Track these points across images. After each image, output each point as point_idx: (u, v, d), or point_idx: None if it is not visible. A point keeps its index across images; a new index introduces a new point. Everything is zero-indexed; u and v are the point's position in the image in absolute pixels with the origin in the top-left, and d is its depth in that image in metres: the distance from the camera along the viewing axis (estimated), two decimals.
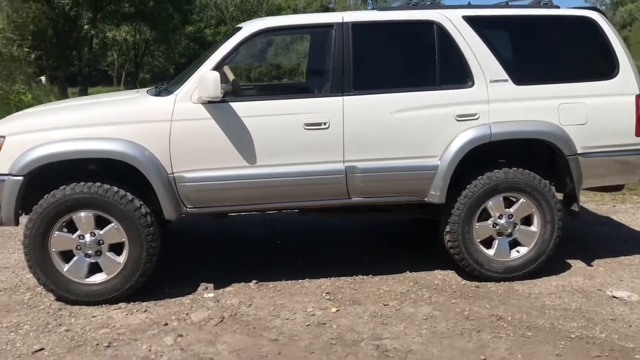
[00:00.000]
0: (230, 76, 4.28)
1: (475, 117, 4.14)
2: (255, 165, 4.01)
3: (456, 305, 3.98)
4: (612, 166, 4.37)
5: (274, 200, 4.17)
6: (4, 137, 3.84)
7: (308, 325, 3.73)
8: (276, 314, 3.90)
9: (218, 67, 3.98)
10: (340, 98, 4.06)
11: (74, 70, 35.37)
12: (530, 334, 3.56)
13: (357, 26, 4.14)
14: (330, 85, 4.10)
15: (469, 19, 4.23)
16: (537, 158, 4.50)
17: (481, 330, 3.61)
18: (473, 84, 4.17)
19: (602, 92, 4.28)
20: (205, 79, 3.76)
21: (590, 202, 6.64)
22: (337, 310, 3.93)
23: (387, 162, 4.13)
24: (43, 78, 16.08)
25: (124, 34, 40.56)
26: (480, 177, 4.22)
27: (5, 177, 3.78)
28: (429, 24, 4.20)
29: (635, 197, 6.86)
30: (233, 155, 3.97)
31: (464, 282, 4.38)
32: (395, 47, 4.34)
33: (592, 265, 4.65)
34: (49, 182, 3.89)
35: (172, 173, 3.93)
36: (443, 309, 3.94)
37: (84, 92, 28.47)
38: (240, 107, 3.98)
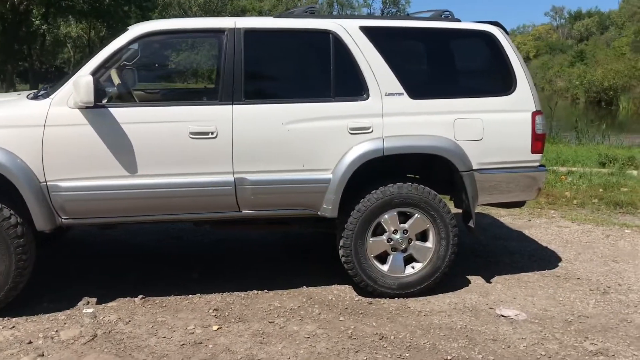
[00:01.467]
0: (116, 80, 4.09)
1: (369, 130, 4.05)
2: (136, 175, 3.83)
3: (342, 323, 3.87)
4: (508, 183, 4.34)
5: (159, 212, 3.99)
6: None
7: (183, 344, 3.56)
8: (154, 332, 3.72)
9: (98, 71, 3.79)
10: (229, 107, 3.91)
11: (25, 65, 34.38)
12: (408, 354, 3.47)
13: (250, 32, 4.01)
14: (219, 93, 3.95)
15: (366, 30, 4.14)
16: (438, 173, 4.45)
17: (360, 351, 3.51)
18: (368, 97, 4.09)
19: (499, 107, 4.25)
20: (78, 83, 3.56)
21: (507, 215, 6.65)
22: (218, 329, 3.78)
23: (278, 175, 4.00)
24: None
25: (79, 31, 39.72)
26: (374, 191, 4.13)
27: None
28: (325, 34, 4.09)
29: (552, 211, 6.91)
30: (112, 164, 3.78)
31: (357, 298, 4.28)
32: (290, 56, 4.23)
33: (490, 282, 4.61)
34: None
35: (45, 182, 3.72)
36: (328, 327, 3.82)
37: (34, 88, 27.70)
38: (121, 113, 3.80)
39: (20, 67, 32.27)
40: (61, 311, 3.95)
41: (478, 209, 6.42)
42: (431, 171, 4.52)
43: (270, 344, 3.59)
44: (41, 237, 4.00)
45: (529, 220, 6.51)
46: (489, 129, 4.20)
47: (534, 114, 4.27)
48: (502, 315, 4.00)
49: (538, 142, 4.27)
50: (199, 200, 3.96)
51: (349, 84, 4.11)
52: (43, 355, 3.37)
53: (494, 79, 4.38)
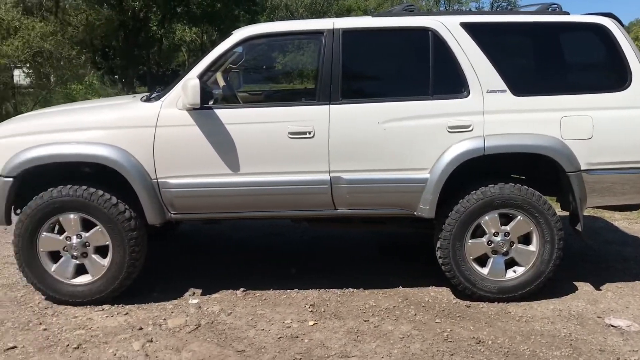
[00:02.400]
0: (221, 82, 4.28)
1: (469, 128, 3.95)
2: (238, 173, 3.98)
3: (438, 325, 3.81)
4: (622, 184, 4.06)
5: (258, 209, 4.13)
6: None
7: (280, 337, 3.66)
8: (253, 324, 3.86)
9: (205, 74, 3.99)
10: (326, 107, 3.97)
11: (143, 69, 36.68)
12: None
13: (347, 33, 4.04)
14: (317, 94, 4.02)
15: (467, 26, 4.04)
16: (543, 174, 4.26)
17: (455, 354, 3.44)
18: (468, 94, 3.98)
19: (612, 104, 3.98)
20: (186, 86, 3.77)
21: (622, 219, 6.22)
22: (314, 324, 3.85)
23: (374, 174, 4.00)
24: (88, 76, 16.61)
25: (192, 35, 41.73)
26: (474, 191, 4.02)
27: None
28: (423, 31, 4.04)
29: None
30: (216, 163, 3.96)
31: (455, 300, 4.19)
32: (387, 55, 4.21)
33: (600, 289, 4.34)
34: (47, 183, 4.01)
35: (156, 179, 3.97)
36: (424, 328, 3.78)
37: (152, 90, 29.52)
38: (225, 114, 3.97)
39: (139, 70, 34.43)
40: (169, 301, 4.20)
41: (590, 212, 6.09)
42: (535, 171, 4.33)
43: (365, 342, 3.60)
44: (152, 231, 4.27)
45: None
46: (600, 127, 3.95)
47: None
48: (612, 325, 3.75)
49: None
50: (296, 198, 4.06)
51: (449, 82, 4.02)
52: (152, 341, 3.61)
53: (606, 74, 4.11)
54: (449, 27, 4.02)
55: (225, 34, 4.20)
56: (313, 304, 4.15)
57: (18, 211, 4.10)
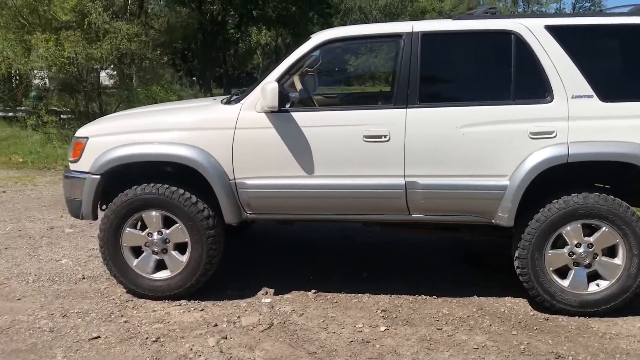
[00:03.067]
0: (298, 86, 4.32)
1: (552, 135, 3.81)
2: (313, 176, 4.01)
3: (515, 337, 3.69)
4: None
5: (332, 212, 4.14)
6: (87, 138, 4.21)
7: (351, 341, 3.66)
8: (324, 326, 3.88)
9: (283, 77, 4.04)
10: (403, 110, 3.93)
11: (220, 71, 37.67)
12: None
13: (427, 36, 3.98)
14: (394, 97, 3.99)
15: (553, 29, 3.90)
16: (631, 184, 4.05)
17: None
18: (552, 99, 3.84)
19: None
20: (265, 89, 3.83)
21: None
22: (386, 330, 3.82)
23: (451, 180, 3.93)
24: (169, 78, 17.18)
25: (267, 38, 42.49)
26: (556, 200, 3.87)
27: (86, 175, 4.14)
28: (506, 34, 3.92)
29: None
30: (292, 165, 4.01)
31: (532, 312, 4.05)
32: (468, 58, 4.12)
33: None
34: (131, 181, 4.19)
35: (234, 179, 4.06)
36: (499, 339, 3.67)
37: (227, 92, 30.33)
38: (301, 117, 4.01)
39: (216, 73, 35.39)
40: (243, 299, 4.29)
41: None
42: (622, 181, 4.12)
43: (437, 350, 3.54)
44: (228, 230, 4.37)
45: None
46: None
47: None
48: None
49: None
50: (370, 202, 4.04)
51: (531, 86, 3.89)
52: (226, 338, 3.69)
53: None
54: (532, 30, 3.89)
55: (299, 37, 4.25)
56: (385, 309, 4.12)
57: (104, 207, 4.30)
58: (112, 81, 18.86)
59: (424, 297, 4.33)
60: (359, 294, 4.38)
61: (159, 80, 17.00)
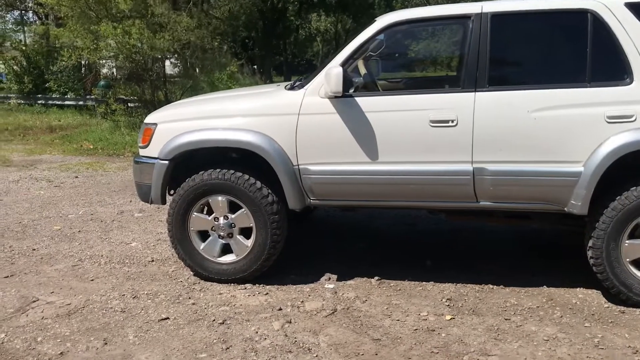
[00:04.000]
0: (362, 70, 4.27)
1: (632, 119, 3.61)
2: (377, 162, 3.96)
3: (588, 330, 3.55)
4: None
5: (397, 198, 4.08)
6: (155, 124, 4.31)
7: (416, 329, 3.61)
8: (388, 313, 3.85)
9: (347, 62, 3.99)
10: (471, 94, 3.82)
11: (280, 59, 37.95)
12: None
13: (497, 17, 3.84)
14: (461, 80, 3.88)
15: (633, 6, 3.68)
16: None
17: None
18: (631, 81, 3.63)
19: None
20: (329, 74, 3.80)
21: None
22: (451, 319, 3.75)
23: (522, 166, 3.79)
24: (231, 66, 17.37)
25: (327, 25, 42.41)
26: (634, 188, 3.68)
27: (155, 161, 4.24)
28: (582, 13, 3.73)
29: None
30: (356, 150, 3.97)
31: (607, 304, 3.88)
32: (539, 39, 3.94)
33: None
34: (197, 166, 4.27)
35: (298, 165, 4.06)
36: (571, 331, 3.53)
37: (288, 79, 30.53)
38: (366, 102, 3.96)
39: (276, 61, 35.70)
40: (306, 284, 4.31)
41: None
42: None
43: (506, 341, 3.45)
44: (291, 215, 4.39)
45: None
46: None
47: None
48: None
49: None
50: (435, 189, 3.96)
51: (609, 68, 3.69)
52: (290, 322, 3.72)
53: None
54: (611, 8, 3.69)
55: (360, 23, 4.18)
56: (450, 298, 4.04)
57: (172, 192, 4.40)
58: (176, 70, 19.31)
59: (491, 286, 4.22)
60: (423, 282, 4.32)
61: (222, 68, 17.27)
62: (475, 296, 4.09)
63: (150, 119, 4.46)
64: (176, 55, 16.95)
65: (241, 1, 28.58)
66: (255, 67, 34.80)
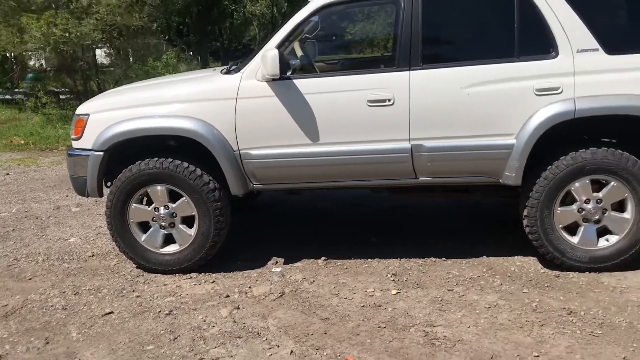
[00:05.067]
0: (299, 52, 4.26)
1: (558, 91, 3.75)
2: (318, 143, 3.98)
3: (526, 295, 3.70)
4: None
5: (339, 179, 4.11)
6: (87, 115, 4.17)
7: (363, 306, 3.67)
8: (336, 292, 3.89)
9: (283, 44, 3.97)
10: (406, 73, 3.87)
11: (216, 44, 37.19)
12: (600, 332, 3.21)
13: None
14: (396, 60, 3.93)
15: None
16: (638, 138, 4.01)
17: (545, 324, 3.33)
18: (557, 54, 3.78)
19: None
20: (265, 57, 3.77)
21: None
22: (397, 293, 3.83)
23: (457, 141, 3.89)
24: (167, 54, 17.02)
25: (263, 9, 41.84)
26: (564, 157, 3.84)
27: (89, 152, 4.11)
28: None
29: None
30: (296, 133, 3.97)
31: (543, 270, 4.06)
32: (469, 16, 4.03)
33: None
34: (135, 156, 4.16)
35: (238, 150, 4.03)
36: (511, 298, 3.68)
37: (225, 65, 29.95)
38: (304, 84, 3.95)
39: (212, 46, 34.98)
40: (253, 269, 4.30)
41: None
42: (630, 135, 4.08)
43: (450, 311, 3.55)
44: (236, 201, 4.36)
45: None
46: None
47: None
48: None
49: None
50: (376, 167, 4.01)
51: (536, 42, 3.82)
52: (238, 308, 3.71)
53: None
54: None
55: (295, 6, 4.15)
56: (395, 273, 4.13)
57: (109, 184, 4.29)
58: (109, 59, 18.72)
59: (434, 259, 4.33)
60: (369, 260, 4.39)
61: (157, 55, 16.86)
62: (419, 270, 4.19)
63: (81, 109, 4.31)
64: (108, 44, 16.42)
65: None
66: (192, 53, 34.03)
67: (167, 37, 29.50)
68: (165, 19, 26.55)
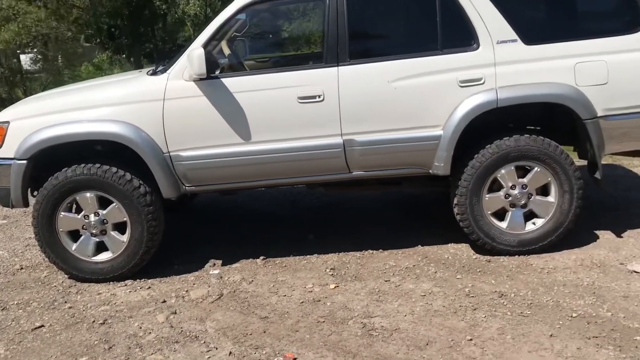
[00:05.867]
0: (227, 51, 4.22)
1: (481, 81, 3.87)
2: (250, 142, 3.96)
3: (460, 281, 3.80)
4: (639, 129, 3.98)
5: (273, 177, 4.11)
6: (8, 122, 4.00)
7: (302, 302, 3.68)
8: (275, 290, 3.88)
9: (209, 42, 3.92)
10: (334, 69, 3.91)
11: (150, 46, 36.40)
12: (529, 312, 3.34)
13: None
14: (324, 56, 3.96)
15: None
16: (560, 124, 4.19)
17: (478, 308, 3.43)
18: (478, 46, 3.89)
19: (627, 47, 3.87)
20: (191, 56, 3.72)
21: None
22: (335, 287, 3.87)
23: (387, 134, 3.95)
24: (98, 58, 16.60)
25: (196, 8, 41.23)
26: (489, 145, 3.97)
27: (11, 162, 3.94)
28: None
29: None
30: (227, 132, 3.93)
31: (475, 256, 4.18)
32: (393, 11, 4.12)
33: (621, 237, 4.29)
34: (62, 163, 4.01)
35: (168, 152, 3.95)
36: (445, 285, 3.77)
37: None
38: (232, 83, 3.92)
39: (146, 48, 34.22)
40: (190, 272, 4.24)
41: (608, 160, 6.01)
42: (552, 122, 4.26)
43: (387, 301, 3.61)
44: (170, 204, 4.28)
45: None
46: (615, 72, 3.85)
47: None
48: (635, 272, 3.72)
49: None
50: (310, 164, 4.03)
51: (457, 35, 3.92)
52: (176, 313, 3.65)
53: (619, 15, 3.98)
54: None
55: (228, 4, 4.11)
56: (333, 268, 4.16)
57: (35, 193, 4.13)
58: (37, 65, 18.05)
59: (371, 251, 4.39)
60: (308, 256, 4.40)
61: (87, 60, 16.35)
62: (357, 263, 4.23)
63: (1, 117, 4.12)
64: (35, 50, 15.84)
65: None
66: (125, 56, 33.15)
67: (98, 40, 28.65)
68: (94, 23, 25.78)
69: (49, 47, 14.99)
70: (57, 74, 15.37)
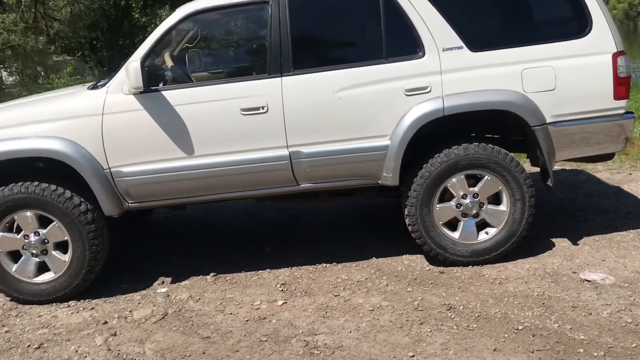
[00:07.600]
0: (169, 63, 4.12)
1: (427, 90, 3.80)
2: (193, 156, 3.85)
3: (410, 294, 3.71)
4: (589, 134, 3.92)
5: (219, 192, 4.00)
6: None
7: (247, 320, 3.57)
8: (222, 308, 3.77)
9: (148, 55, 3.83)
10: (278, 79, 3.82)
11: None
12: (475, 325, 3.25)
13: (294, 0, 3.86)
14: (268, 67, 3.87)
15: None
16: (511, 131, 4.14)
17: (424, 323, 3.34)
18: (423, 54, 3.83)
19: (573, 52, 3.82)
20: (128, 69, 3.62)
21: (604, 170, 6.09)
22: (284, 303, 3.76)
23: (334, 145, 3.87)
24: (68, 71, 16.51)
25: None
26: (437, 154, 3.89)
27: None
28: None
29: None
30: (169, 147, 3.83)
31: (429, 267, 4.09)
32: (337, 20, 4.05)
33: (577, 244, 4.22)
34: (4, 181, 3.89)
35: (109, 168, 3.84)
36: (394, 298, 3.68)
37: None
38: (174, 96, 3.83)
39: (124, 60, 34.14)
40: (137, 291, 4.11)
41: (571, 165, 5.97)
42: (505, 130, 4.20)
43: (333, 317, 3.51)
44: (119, 221, 4.16)
45: (630, 174, 5.91)
46: (563, 77, 3.80)
47: (614, 56, 3.80)
48: (587, 280, 3.65)
49: (621, 86, 3.81)
50: (256, 177, 3.93)
51: (402, 43, 3.86)
52: (115, 334, 3.52)
53: (565, 20, 3.94)
54: None
55: None
56: (284, 283, 4.05)
57: None
58: (14, 79, 17.91)
59: (324, 265, 4.29)
60: (260, 271, 4.29)
61: (64, 74, 16.20)
62: (309, 277, 4.13)
63: None
64: (5, 64, 15.67)
65: (82, 1, 26.85)
66: (106, 69, 32.93)
67: (80, 53, 28.49)
68: (74, 36, 25.69)
69: (18, 58, 14.84)
70: (32, 86, 15.20)
